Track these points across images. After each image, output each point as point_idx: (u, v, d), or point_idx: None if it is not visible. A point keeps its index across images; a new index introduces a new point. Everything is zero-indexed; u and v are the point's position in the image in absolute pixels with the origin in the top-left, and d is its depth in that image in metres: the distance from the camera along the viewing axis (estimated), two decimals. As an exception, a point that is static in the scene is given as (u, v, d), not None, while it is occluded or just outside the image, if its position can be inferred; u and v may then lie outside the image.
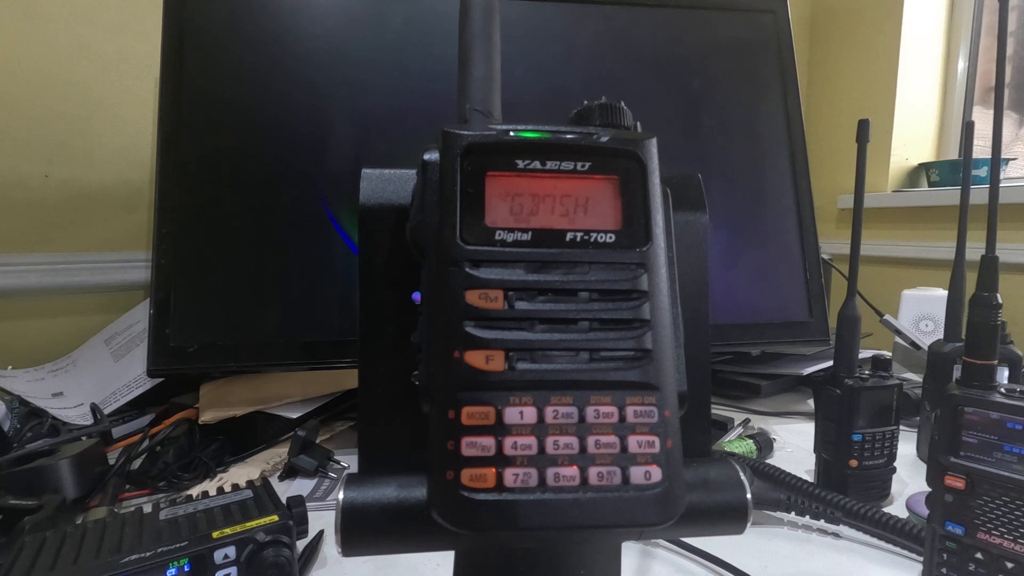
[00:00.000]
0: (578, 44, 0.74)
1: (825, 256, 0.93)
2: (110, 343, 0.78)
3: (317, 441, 0.62)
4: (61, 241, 0.85)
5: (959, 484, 0.35)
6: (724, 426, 0.66)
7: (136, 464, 0.58)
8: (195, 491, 0.46)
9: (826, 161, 1.55)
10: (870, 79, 1.53)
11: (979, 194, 0.45)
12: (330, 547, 0.45)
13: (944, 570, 0.37)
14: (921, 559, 0.40)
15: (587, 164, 0.22)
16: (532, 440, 0.19)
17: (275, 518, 0.39)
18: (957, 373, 0.39)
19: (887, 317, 0.85)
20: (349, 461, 0.60)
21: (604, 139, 0.22)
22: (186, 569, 0.35)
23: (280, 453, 0.61)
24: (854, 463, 0.50)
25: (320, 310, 0.64)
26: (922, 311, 0.88)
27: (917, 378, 0.78)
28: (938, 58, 1.52)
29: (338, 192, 0.65)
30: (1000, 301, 0.38)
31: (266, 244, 0.64)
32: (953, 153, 1.54)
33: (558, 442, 0.19)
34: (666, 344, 0.21)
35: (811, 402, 0.82)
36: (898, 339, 0.85)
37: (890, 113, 1.48)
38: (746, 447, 0.60)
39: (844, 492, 0.49)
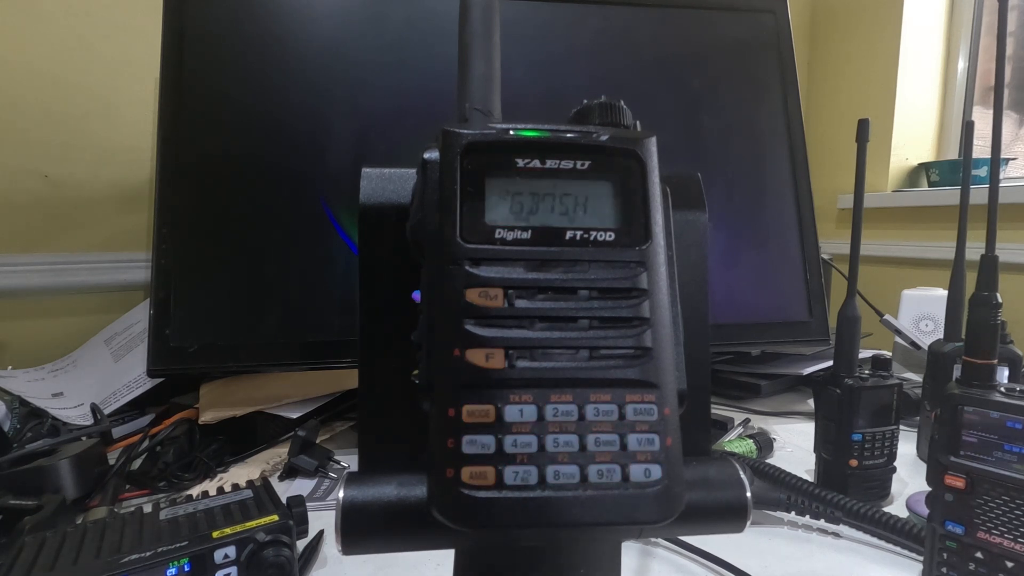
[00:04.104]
0: (578, 44, 0.74)
1: (825, 256, 0.93)
2: (110, 343, 0.78)
3: (317, 441, 0.62)
4: (61, 241, 0.85)
5: (959, 483, 0.35)
6: (724, 426, 0.65)
7: (136, 464, 0.58)
8: (195, 491, 0.46)
9: (826, 161, 1.55)
10: (870, 79, 1.53)
11: (979, 194, 0.45)
12: (330, 547, 0.45)
13: (944, 570, 0.37)
14: (921, 559, 0.40)
15: (587, 163, 0.22)
16: (532, 438, 0.19)
17: (275, 518, 0.39)
18: (957, 373, 0.40)
19: (887, 317, 0.85)
20: (349, 461, 0.60)
21: (604, 138, 0.22)
22: (186, 569, 0.35)
23: (280, 453, 0.61)
24: (854, 463, 0.50)
25: (320, 310, 0.64)
26: (922, 311, 0.88)
27: (917, 378, 0.78)
28: (938, 58, 1.52)
29: (338, 192, 0.65)
30: (1000, 301, 0.38)
31: (266, 244, 0.64)
32: (953, 153, 1.54)
33: (558, 440, 0.19)
34: (666, 342, 0.21)
35: (811, 402, 0.82)
36: (898, 339, 0.85)
37: (890, 113, 1.48)
38: (746, 447, 0.60)
39: (844, 492, 0.49)
